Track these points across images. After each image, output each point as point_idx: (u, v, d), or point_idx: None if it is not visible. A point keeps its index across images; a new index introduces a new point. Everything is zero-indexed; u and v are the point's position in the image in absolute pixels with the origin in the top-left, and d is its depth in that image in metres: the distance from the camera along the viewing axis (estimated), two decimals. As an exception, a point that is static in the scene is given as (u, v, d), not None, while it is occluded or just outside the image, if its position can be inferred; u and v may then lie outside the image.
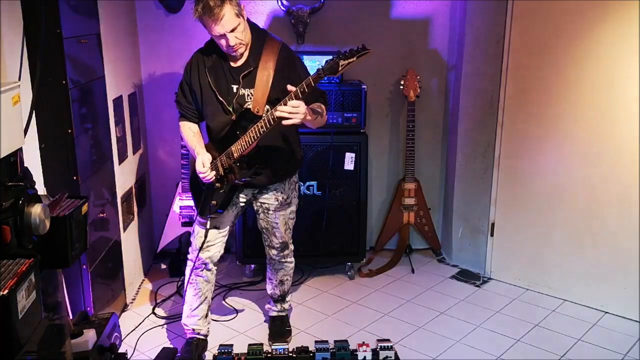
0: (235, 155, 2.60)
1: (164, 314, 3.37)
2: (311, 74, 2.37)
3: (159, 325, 3.25)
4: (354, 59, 2.31)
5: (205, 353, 2.94)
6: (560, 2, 3.27)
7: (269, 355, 2.80)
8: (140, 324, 3.25)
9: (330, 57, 3.59)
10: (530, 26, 3.43)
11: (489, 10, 3.60)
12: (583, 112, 3.31)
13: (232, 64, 2.63)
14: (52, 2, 2.44)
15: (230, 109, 2.63)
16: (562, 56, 3.33)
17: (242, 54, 2.60)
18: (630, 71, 3.07)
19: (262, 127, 2.49)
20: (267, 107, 2.60)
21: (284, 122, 2.42)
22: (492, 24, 3.59)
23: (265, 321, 3.30)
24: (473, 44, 3.72)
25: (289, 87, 2.39)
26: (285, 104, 2.39)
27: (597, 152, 3.28)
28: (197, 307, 2.91)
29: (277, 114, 2.40)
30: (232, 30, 2.46)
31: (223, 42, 2.51)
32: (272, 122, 2.45)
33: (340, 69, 2.31)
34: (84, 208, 2.01)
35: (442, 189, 4.26)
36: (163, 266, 3.98)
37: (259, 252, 3.21)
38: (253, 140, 2.54)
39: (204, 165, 2.61)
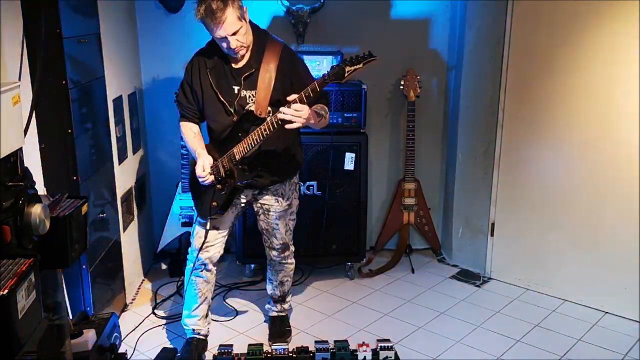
0: (237, 157, 2.60)
1: (164, 314, 3.37)
2: (314, 77, 2.37)
3: (159, 325, 3.25)
4: (360, 65, 2.29)
5: (205, 353, 2.94)
6: (560, 3, 3.27)
7: (269, 355, 2.80)
8: (140, 324, 3.25)
9: (331, 57, 3.68)
10: (530, 26, 3.43)
11: (489, 11, 3.60)
12: (583, 112, 3.30)
13: (233, 65, 2.63)
14: (52, 2, 2.44)
15: (232, 111, 2.62)
16: (562, 56, 3.33)
17: (243, 56, 2.60)
18: (630, 71, 3.07)
19: (265, 129, 2.48)
20: (270, 109, 2.60)
21: (287, 126, 2.41)
22: (492, 24, 3.58)
23: (265, 321, 3.30)
24: (473, 44, 3.72)
25: (290, 97, 2.38)
26: (289, 107, 2.38)
27: (597, 151, 3.28)
28: (197, 307, 2.91)
29: (280, 116, 2.39)
30: (234, 34, 2.46)
31: (224, 44, 2.51)
32: (276, 125, 2.45)
33: (346, 75, 2.29)
34: (84, 208, 2.02)
35: (442, 189, 4.26)
36: (163, 266, 3.98)
37: (259, 252, 3.21)
38: (256, 142, 2.54)
39: (204, 169, 2.61)
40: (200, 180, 2.63)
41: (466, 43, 3.75)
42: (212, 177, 2.62)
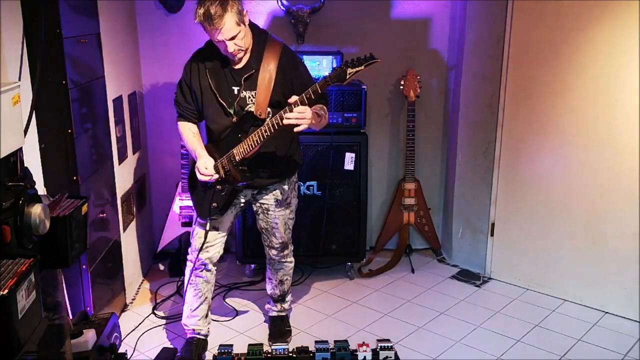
0: (237, 158, 2.60)
1: (163, 314, 3.37)
2: (314, 78, 2.36)
3: (158, 325, 3.25)
4: (362, 67, 2.30)
5: (205, 353, 2.94)
6: (560, 2, 3.27)
7: (269, 355, 2.81)
8: (140, 324, 3.25)
9: (331, 57, 3.68)
10: (530, 26, 3.43)
11: (489, 10, 3.60)
12: (583, 112, 3.30)
13: (233, 65, 2.62)
14: (52, 2, 2.44)
15: (232, 112, 2.62)
16: (562, 56, 3.33)
17: (240, 59, 2.59)
18: (630, 71, 3.07)
19: (265, 131, 2.48)
20: (269, 109, 2.60)
21: (296, 129, 2.41)
22: (492, 24, 3.58)
23: (265, 321, 3.30)
24: (473, 44, 3.72)
25: (291, 99, 2.38)
26: (291, 110, 2.38)
27: (598, 151, 3.28)
28: (197, 308, 2.91)
29: (286, 122, 2.39)
30: (232, 38, 2.46)
31: (222, 47, 2.51)
32: (277, 127, 2.45)
33: (348, 77, 2.30)
34: (84, 208, 2.02)
35: (442, 189, 4.26)
36: (163, 266, 3.98)
37: (259, 252, 3.21)
38: (256, 144, 2.54)
39: (207, 168, 2.61)
40: (203, 179, 2.63)
41: (466, 43, 3.75)
42: (215, 176, 2.63)
